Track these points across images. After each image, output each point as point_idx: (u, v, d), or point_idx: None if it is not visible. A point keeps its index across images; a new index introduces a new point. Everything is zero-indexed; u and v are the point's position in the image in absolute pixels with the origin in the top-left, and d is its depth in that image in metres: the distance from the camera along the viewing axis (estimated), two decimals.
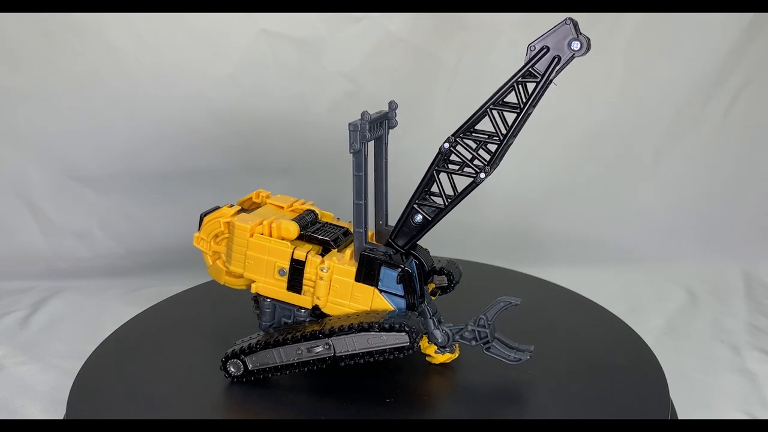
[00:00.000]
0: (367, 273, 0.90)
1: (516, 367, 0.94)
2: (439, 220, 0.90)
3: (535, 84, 0.83)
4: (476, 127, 0.87)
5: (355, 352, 0.89)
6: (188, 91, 1.65)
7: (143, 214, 1.69)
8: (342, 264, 0.91)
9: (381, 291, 0.90)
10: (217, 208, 0.98)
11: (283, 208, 0.99)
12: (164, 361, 1.00)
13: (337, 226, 0.98)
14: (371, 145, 0.91)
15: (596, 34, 1.80)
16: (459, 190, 0.89)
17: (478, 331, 0.94)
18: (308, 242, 0.93)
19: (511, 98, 0.85)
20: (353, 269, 0.90)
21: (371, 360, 0.89)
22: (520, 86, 0.84)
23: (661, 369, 0.99)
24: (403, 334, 0.87)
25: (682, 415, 1.01)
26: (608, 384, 0.95)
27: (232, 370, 0.93)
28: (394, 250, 0.92)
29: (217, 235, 0.96)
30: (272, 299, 0.93)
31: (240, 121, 1.67)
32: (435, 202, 0.90)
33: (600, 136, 1.78)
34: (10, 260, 1.61)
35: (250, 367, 0.92)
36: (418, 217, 0.90)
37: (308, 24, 1.64)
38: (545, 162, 1.79)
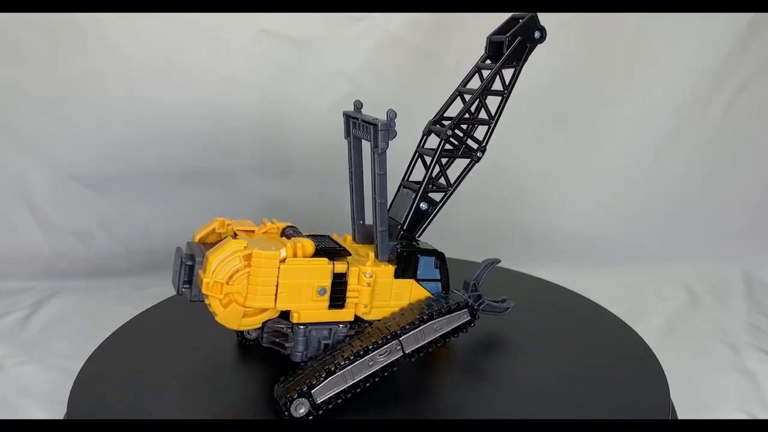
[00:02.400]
0: (406, 267, 0.92)
1: (516, 366, 0.94)
2: (444, 204, 0.96)
3: (513, 70, 0.96)
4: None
5: (423, 343, 0.91)
6: (188, 91, 1.65)
7: (143, 214, 1.69)
8: (378, 266, 0.90)
9: (419, 281, 0.93)
10: (182, 250, 0.89)
11: (254, 231, 0.92)
12: (164, 361, 1.00)
13: (321, 235, 0.95)
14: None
15: (596, 34, 1.82)
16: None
17: (471, 296, 1.01)
18: (322, 256, 0.88)
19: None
20: (391, 268, 0.91)
21: (437, 346, 0.93)
22: (499, 74, 0.96)
23: (662, 369, 0.99)
24: (465, 311, 0.94)
25: (682, 415, 1.01)
26: (608, 384, 0.95)
27: (301, 411, 0.83)
28: (406, 241, 0.95)
29: (231, 275, 0.83)
30: (310, 324, 0.87)
31: (240, 121, 1.67)
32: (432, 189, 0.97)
33: (600, 136, 1.78)
34: (10, 260, 1.61)
35: (319, 401, 0.83)
36: (424, 205, 0.95)
37: (308, 24, 1.64)
38: (545, 162, 1.79)
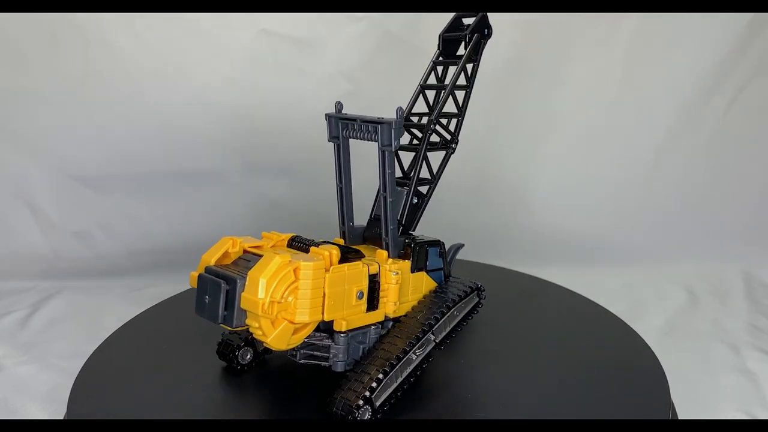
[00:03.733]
0: (419, 260, 0.94)
1: (516, 366, 0.94)
2: (431, 195, 0.98)
3: (472, 65, 1.01)
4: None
5: (448, 330, 0.95)
6: (188, 91, 1.65)
7: (143, 214, 1.69)
8: (398, 262, 0.91)
9: (428, 271, 0.95)
10: (207, 276, 0.82)
11: (261, 246, 0.89)
12: (164, 361, 1.00)
13: (319, 241, 0.94)
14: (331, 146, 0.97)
15: (596, 34, 1.81)
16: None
17: None
18: (345, 261, 0.86)
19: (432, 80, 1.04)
20: (408, 263, 0.92)
21: (459, 330, 0.97)
22: (462, 69, 0.99)
23: (662, 369, 0.99)
24: (475, 293, 0.99)
25: (682, 415, 1.01)
26: (608, 384, 0.95)
27: (366, 418, 0.82)
28: (407, 235, 0.96)
29: (283, 292, 0.78)
30: (351, 330, 0.86)
31: (240, 121, 1.67)
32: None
33: (600, 136, 1.78)
34: (10, 260, 1.61)
35: (377, 404, 0.83)
36: (414, 199, 0.97)
37: (308, 24, 1.64)
38: (545, 162, 1.79)
